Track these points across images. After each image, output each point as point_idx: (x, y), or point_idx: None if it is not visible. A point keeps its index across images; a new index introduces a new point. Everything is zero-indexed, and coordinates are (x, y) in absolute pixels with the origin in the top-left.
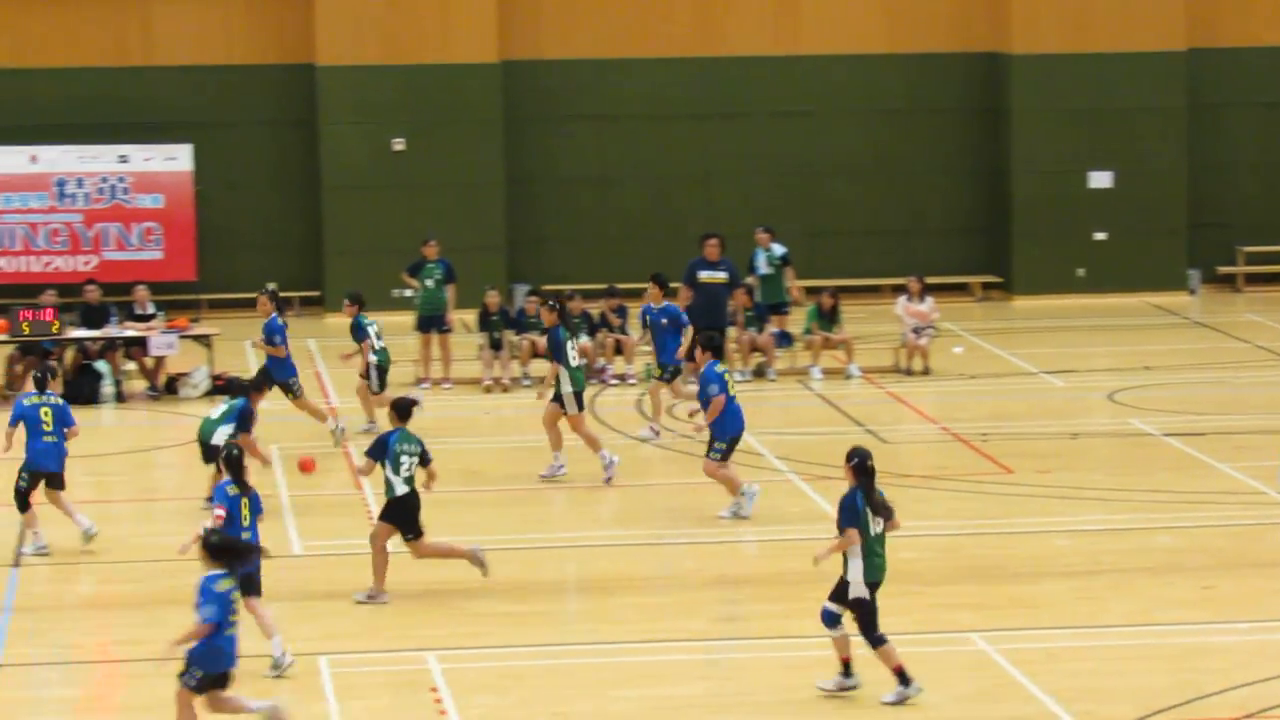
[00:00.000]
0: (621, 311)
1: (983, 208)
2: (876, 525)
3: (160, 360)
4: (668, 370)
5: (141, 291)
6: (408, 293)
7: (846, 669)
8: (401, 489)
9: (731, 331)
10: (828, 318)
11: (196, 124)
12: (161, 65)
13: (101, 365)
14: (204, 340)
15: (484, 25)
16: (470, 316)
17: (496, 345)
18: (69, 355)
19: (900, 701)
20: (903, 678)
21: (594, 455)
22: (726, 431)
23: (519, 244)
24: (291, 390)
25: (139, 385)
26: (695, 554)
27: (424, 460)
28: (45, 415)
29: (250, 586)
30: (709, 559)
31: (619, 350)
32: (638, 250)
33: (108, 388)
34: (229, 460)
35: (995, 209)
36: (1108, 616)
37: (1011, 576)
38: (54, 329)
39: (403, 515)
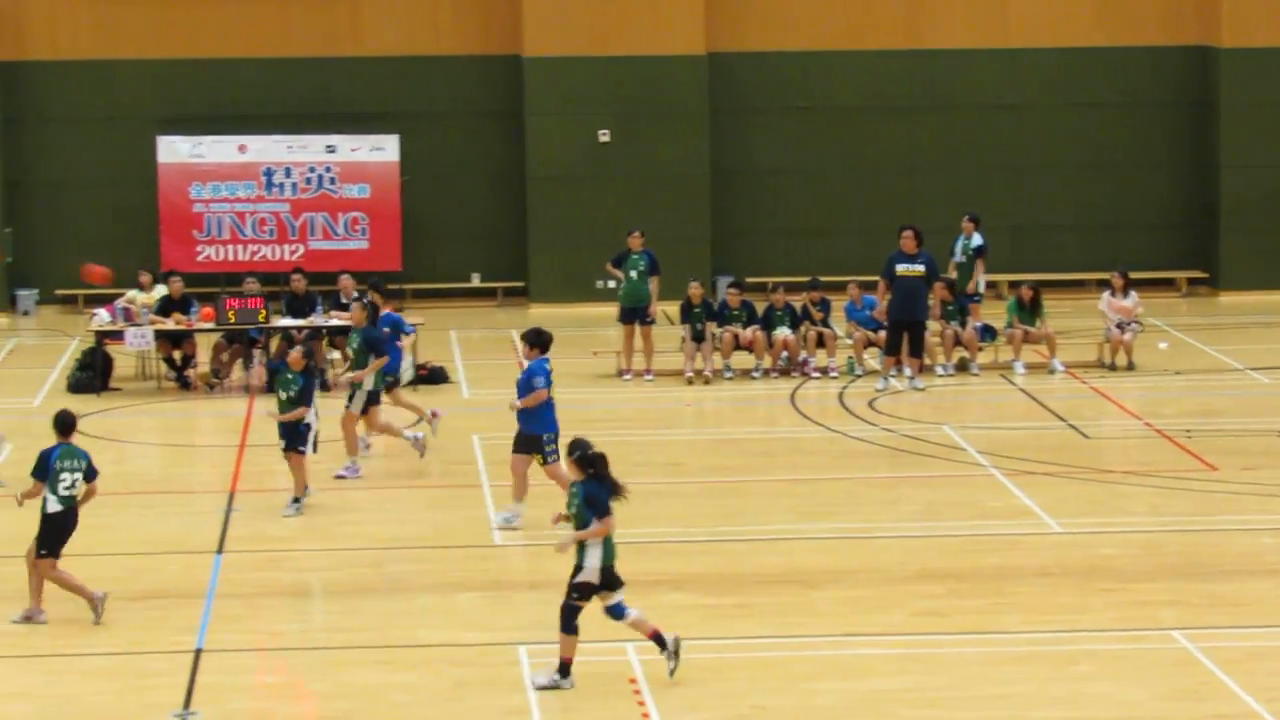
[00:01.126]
0: (824, 305)
1: (1189, 202)
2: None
3: None
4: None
5: (346, 281)
6: (611, 284)
7: (660, 640)
8: (55, 506)
9: (932, 325)
10: (1028, 310)
11: (403, 114)
12: (369, 56)
13: None
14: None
15: (691, 17)
16: (673, 308)
17: (699, 337)
18: (274, 344)
19: (551, 687)
20: (564, 670)
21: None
22: (550, 428)
23: (723, 236)
24: None
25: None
26: (899, 547)
27: (89, 476)
28: None
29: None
30: (912, 553)
31: (821, 343)
32: (841, 243)
33: None
34: None
35: (1202, 204)
36: None
37: (1215, 574)
38: (261, 318)
39: (53, 533)
